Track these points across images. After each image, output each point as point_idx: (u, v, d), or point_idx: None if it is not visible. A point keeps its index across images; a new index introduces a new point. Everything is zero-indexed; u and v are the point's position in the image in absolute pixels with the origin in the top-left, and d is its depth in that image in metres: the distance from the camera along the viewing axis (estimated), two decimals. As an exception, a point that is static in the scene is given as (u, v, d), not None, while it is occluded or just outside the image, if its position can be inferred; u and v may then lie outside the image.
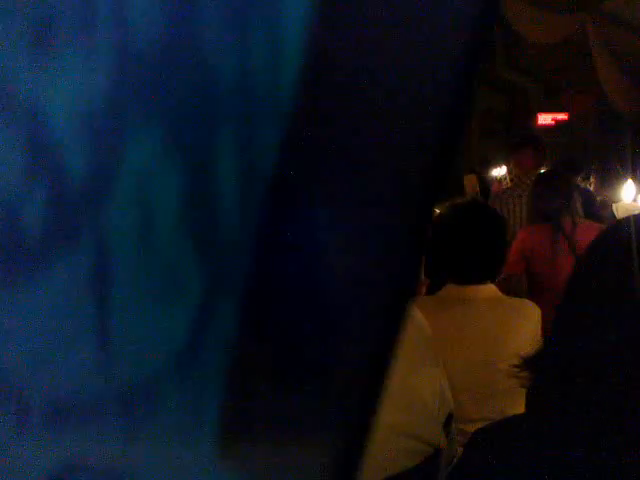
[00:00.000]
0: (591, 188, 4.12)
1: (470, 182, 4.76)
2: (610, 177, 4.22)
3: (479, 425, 1.61)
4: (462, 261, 1.67)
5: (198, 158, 0.41)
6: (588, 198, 3.37)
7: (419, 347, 0.78)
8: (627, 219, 0.88)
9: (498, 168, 5.82)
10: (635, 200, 2.25)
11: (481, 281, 1.68)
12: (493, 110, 8.39)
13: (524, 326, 1.63)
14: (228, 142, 0.41)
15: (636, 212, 2.13)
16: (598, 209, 3.15)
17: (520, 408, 1.54)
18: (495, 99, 8.47)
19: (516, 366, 0.80)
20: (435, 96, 0.41)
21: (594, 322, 0.78)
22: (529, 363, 0.81)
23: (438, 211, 1.90)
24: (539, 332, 1.62)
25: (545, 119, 8.28)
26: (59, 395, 0.41)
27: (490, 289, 1.69)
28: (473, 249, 1.66)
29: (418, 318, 0.81)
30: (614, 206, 2.20)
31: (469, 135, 8.06)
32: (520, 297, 2.45)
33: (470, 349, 1.62)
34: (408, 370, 0.74)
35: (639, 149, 5.86)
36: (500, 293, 1.71)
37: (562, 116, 8.19)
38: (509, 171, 5.54)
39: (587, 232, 2.49)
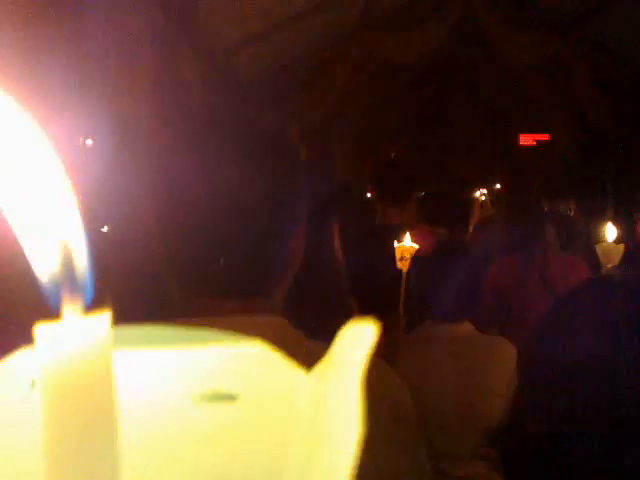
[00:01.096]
0: (571, 214, 4.16)
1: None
2: (590, 203, 4.25)
3: (457, 464, 1.61)
4: (438, 300, 1.67)
5: None
6: (567, 225, 3.38)
7: (404, 430, 0.76)
8: (596, 281, 0.88)
9: (479, 190, 5.85)
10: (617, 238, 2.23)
11: (458, 319, 1.69)
12: (474, 130, 8.46)
13: (500, 365, 1.64)
14: None
15: (616, 254, 2.12)
16: (576, 237, 3.16)
17: (495, 446, 1.54)
18: (477, 119, 8.54)
19: (484, 444, 0.80)
20: None
21: (558, 387, 0.78)
22: (496, 440, 0.81)
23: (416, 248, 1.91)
24: (513, 368, 1.62)
25: (527, 140, 8.35)
26: None
27: (467, 327, 1.70)
28: (450, 288, 1.66)
29: (404, 401, 0.78)
30: (597, 247, 2.16)
31: (450, 155, 8.11)
32: (491, 328, 2.45)
33: (447, 387, 1.62)
34: (393, 454, 0.72)
35: (618, 174, 5.93)
36: (477, 331, 1.71)
37: (544, 137, 8.26)
38: (490, 193, 5.60)
39: (559, 264, 2.48)
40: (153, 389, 0.21)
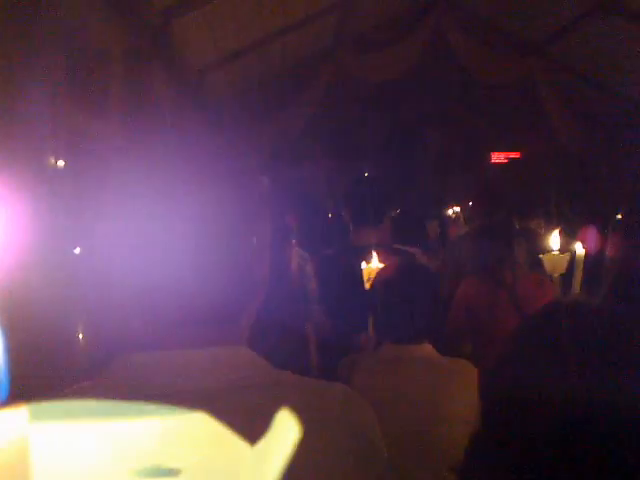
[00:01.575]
0: (542, 231, 4.21)
1: (433, 228, 4.85)
2: (560, 220, 4.32)
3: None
4: (397, 321, 1.67)
5: None
6: (539, 242, 3.42)
7: (375, 468, 0.75)
8: (554, 306, 0.89)
9: (453, 208, 5.91)
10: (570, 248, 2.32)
11: (417, 341, 1.68)
12: (447, 148, 8.55)
13: (459, 388, 1.62)
14: None
15: (561, 263, 2.19)
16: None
17: (454, 471, 1.52)
18: (448, 137, 8.65)
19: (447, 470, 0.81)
20: None
21: (519, 412, 0.79)
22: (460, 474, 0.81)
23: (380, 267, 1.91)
24: (475, 392, 1.61)
25: (498, 157, 8.49)
26: None
27: (426, 349, 1.68)
28: (407, 309, 1.66)
29: (376, 439, 0.76)
30: (542, 258, 2.28)
31: (424, 174, 8.18)
32: (464, 348, 2.45)
33: (405, 411, 1.59)
34: None
35: (585, 191, 6.04)
36: (436, 353, 1.69)
37: (515, 155, 8.41)
38: (463, 211, 5.64)
39: (527, 284, 2.49)
40: (93, 464, 0.20)
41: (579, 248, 2.43)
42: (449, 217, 5.74)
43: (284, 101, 6.16)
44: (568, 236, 3.79)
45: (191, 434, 0.21)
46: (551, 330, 0.81)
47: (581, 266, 2.40)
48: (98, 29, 3.48)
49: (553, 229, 4.15)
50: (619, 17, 5.11)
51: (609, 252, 2.35)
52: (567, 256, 2.28)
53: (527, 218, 4.46)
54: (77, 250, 2.38)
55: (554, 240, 2.30)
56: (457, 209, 5.80)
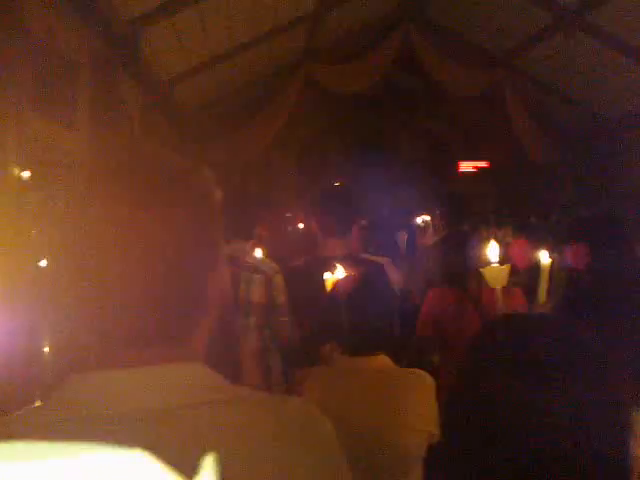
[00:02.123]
0: (509, 240, 4.28)
1: (401, 238, 4.87)
2: (525, 229, 4.39)
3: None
4: (352, 332, 1.67)
5: None
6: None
7: None
8: (501, 322, 0.91)
9: (421, 217, 5.94)
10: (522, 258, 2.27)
11: (372, 352, 1.67)
12: (415, 159, 8.63)
13: (414, 398, 1.61)
14: None
15: (502, 275, 2.12)
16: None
17: None
18: (417, 147, 8.73)
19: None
20: None
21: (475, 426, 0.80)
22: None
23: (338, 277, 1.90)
24: (431, 402, 1.60)
25: (466, 167, 8.60)
26: None
27: (381, 360, 1.67)
28: (361, 321, 1.65)
29: (336, 456, 0.74)
30: (483, 271, 2.09)
31: (393, 183, 8.24)
32: (432, 357, 2.45)
33: (358, 421, 1.57)
34: None
35: (550, 202, 6.14)
36: (392, 364, 1.68)
37: (483, 164, 8.53)
38: (432, 220, 5.68)
39: (492, 293, 2.50)
40: None
41: (544, 258, 2.39)
42: (418, 226, 5.78)
43: (253, 112, 6.16)
44: (534, 245, 3.85)
45: (133, 465, 0.21)
46: (494, 345, 0.83)
47: (546, 276, 2.38)
48: (66, 38, 3.44)
49: (520, 238, 4.23)
50: (582, 31, 5.24)
51: (570, 262, 2.34)
52: (507, 268, 2.09)
53: (495, 227, 4.52)
54: (43, 262, 2.35)
55: (492, 252, 2.11)
56: (427, 218, 5.83)
